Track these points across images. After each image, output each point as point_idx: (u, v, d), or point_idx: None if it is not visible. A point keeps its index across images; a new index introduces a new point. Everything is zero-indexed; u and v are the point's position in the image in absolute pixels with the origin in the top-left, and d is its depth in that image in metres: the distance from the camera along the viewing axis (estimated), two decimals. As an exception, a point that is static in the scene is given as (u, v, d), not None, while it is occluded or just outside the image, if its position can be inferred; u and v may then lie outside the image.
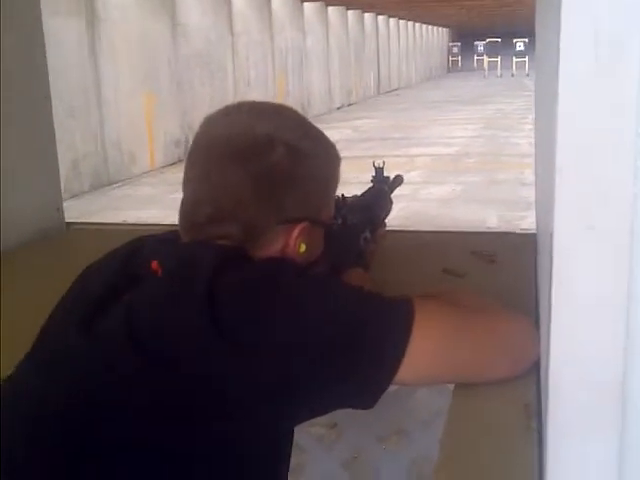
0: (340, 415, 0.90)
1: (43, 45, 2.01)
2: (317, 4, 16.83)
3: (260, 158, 0.95)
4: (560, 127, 0.60)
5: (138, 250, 0.99)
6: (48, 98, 2.04)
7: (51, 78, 2.07)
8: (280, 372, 0.83)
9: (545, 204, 0.97)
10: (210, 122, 1.02)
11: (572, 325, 0.70)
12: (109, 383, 0.84)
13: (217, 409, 0.83)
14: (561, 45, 0.59)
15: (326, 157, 1.05)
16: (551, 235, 0.66)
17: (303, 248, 1.00)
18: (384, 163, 1.55)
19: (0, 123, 1.85)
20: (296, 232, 0.99)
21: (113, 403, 0.84)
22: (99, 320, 0.88)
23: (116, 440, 0.83)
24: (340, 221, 1.19)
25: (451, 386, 1.04)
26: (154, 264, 0.92)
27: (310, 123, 1.06)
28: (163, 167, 10.11)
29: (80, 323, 0.89)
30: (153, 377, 0.83)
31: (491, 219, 6.33)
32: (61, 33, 7.51)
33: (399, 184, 1.63)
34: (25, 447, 0.86)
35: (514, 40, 29.14)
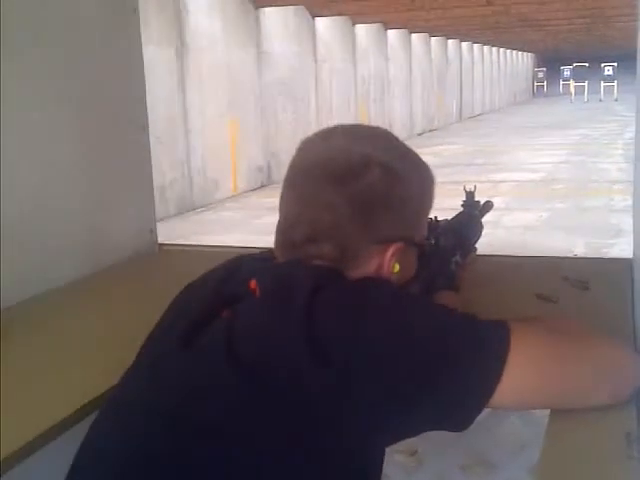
0: (421, 442, 0.89)
1: (143, 75, 2.09)
2: (401, 31, 16.88)
3: (356, 179, 0.96)
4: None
5: (237, 269, 1.01)
6: (146, 126, 2.12)
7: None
8: (372, 388, 0.83)
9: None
10: (307, 145, 1.03)
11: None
12: (209, 397, 0.86)
13: (310, 428, 0.83)
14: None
15: (420, 178, 1.05)
16: None
17: (397, 268, 1.00)
18: (475, 187, 1.54)
19: (100, 150, 1.94)
20: (390, 252, 0.99)
21: (210, 415, 0.85)
22: (199, 336, 0.91)
23: (214, 450, 0.84)
24: (433, 242, 1.19)
25: (543, 416, 1.02)
26: (252, 283, 0.94)
27: (405, 145, 1.06)
28: (245, 192, 10.26)
29: (181, 338, 0.92)
30: (250, 394, 0.84)
31: (578, 247, 6.17)
32: (153, 62, 7.75)
33: (489, 210, 1.61)
34: (131, 456, 0.88)
35: (602, 64, 28.52)
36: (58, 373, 1.27)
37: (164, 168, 8.31)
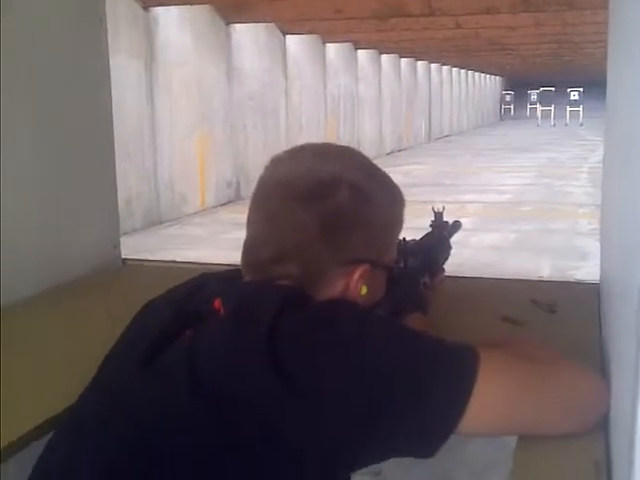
0: (385, 462, 0.88)
1: (109, 87, 2.06)
2: (371, 51, 17.01)
3: (324, 199, 0.95)
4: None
5: (201, 287, 0.99)
6: (111, 140, 2.09)
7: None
8: (339, 417, 0.81)
9: (620, 254, 0.93)
10: (276, 163, 1.02)
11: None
12: (167, 418, 0.84)
13: (272, 452, 0.81)
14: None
15: (390, 200, 1.04)
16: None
17: (364, 290, 0.99)
18: (444, 208, 1.53)
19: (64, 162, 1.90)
20: (357, 274, 0.98)
21: (170, 438, 0.83)
22: (160, 355, 0.88)
23: (178, 473, 0.82)
24: (402, 264, 1.18)
25: (508, 439, 1.00)
26: (217, 302, 0.92)
27: (375, 165, 1.05)
28: (213, 207, 10.22)
29: (142, 358, 0.90)
30: (210, 416, 0.82)
31: (544, 268, 6.23)
32: (121, 75, 7.70)
33: (457, 230, 1.60)
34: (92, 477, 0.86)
35: (568, 89, 28.97)
36: (14, 390, 1.23)
37: (131, 181, 8.24)
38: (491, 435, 0.99)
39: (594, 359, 1.20)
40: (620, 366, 0.88)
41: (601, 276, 1.61)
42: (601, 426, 0.97)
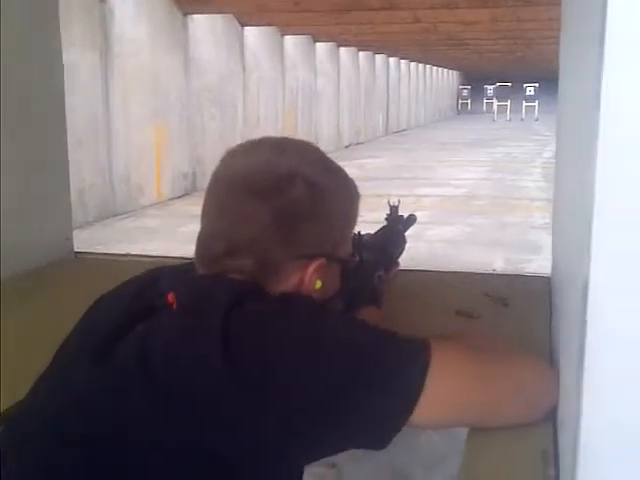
0: (339, 455, 0.89)
1: (62, 80, 2.03)
2: (329, 44, 16.99)
3: (279, 194, 0.95)
4: (600, 165, 0.57)
5: (155, 281, 0.98)
6: (64, 131, 2.06)
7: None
8: (291, 411, 0.82)
9: (569, 248, 0.95)
10: (232, 156, 1.01)
11: (608, 376, 0.66)
12: (120, 413, 0.84)
13: (224, 446, 0.81)
14: (603, 77, 0.55)
15: (345, 193, 1.04)
16: (585, 281, 0.62)
17: (319, 285, 0.99)
18: (399, 201, 1.54)
19: (14, 152, 1.87)
20: (312, 268, 0.98)
21: (123, 433, 0.83)
22: (114, 350, 0.87)
23: (122, 469, 0.82)
24: (357, 258, 1.18)
25: (459, 431, 1.02)
26: (170, 296, 0.91)
27: (330, 160, 1.05)
28: (169, 199, 10.13)
29: (94, 352, 0.88)
30: (162, 410, 0.82)
31: (498, 261, 6.31)
32: (76, 64, 7.58)
33: (412, 224, 1.61)
34: (37, 471, 0.85)
35: (524, 85, 29.33)
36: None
37: (84, 173, 8.11)
38: (443, 427, 1.00)
39: (544, 351, 1.22)
40: (566, 358, 0.89)
41: (552, 269, 1.63)
42: (550, 416, 0.99)
